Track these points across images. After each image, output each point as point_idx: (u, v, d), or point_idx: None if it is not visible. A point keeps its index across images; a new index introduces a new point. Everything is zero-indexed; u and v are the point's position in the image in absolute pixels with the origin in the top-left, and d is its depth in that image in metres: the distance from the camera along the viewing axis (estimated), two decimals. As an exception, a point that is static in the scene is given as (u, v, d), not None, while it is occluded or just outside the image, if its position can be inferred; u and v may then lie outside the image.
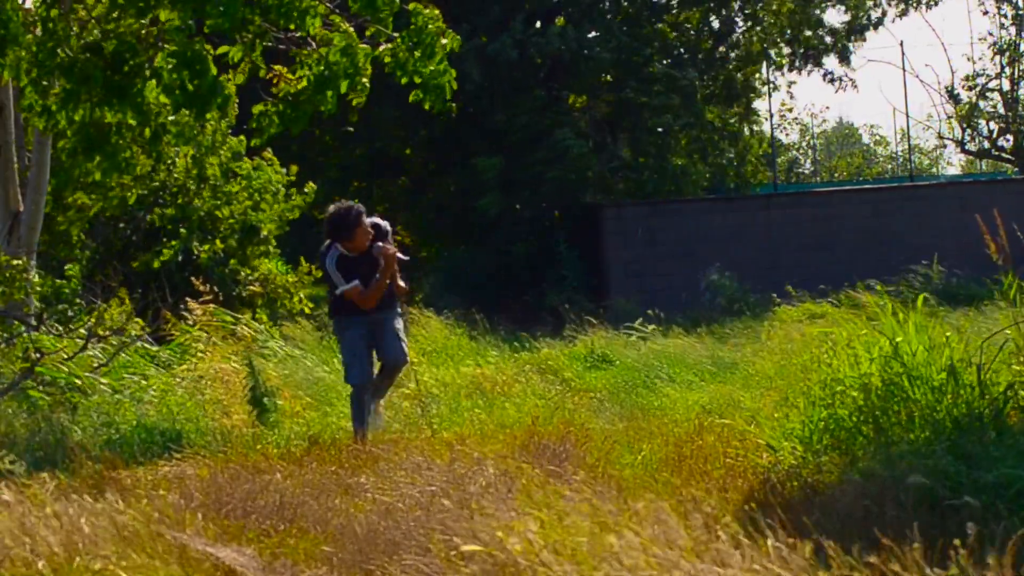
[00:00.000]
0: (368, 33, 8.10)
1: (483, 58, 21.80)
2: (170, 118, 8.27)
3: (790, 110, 37.42)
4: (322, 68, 7.79)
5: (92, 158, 8.00)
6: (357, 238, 7.99)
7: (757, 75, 25.80)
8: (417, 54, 7.93)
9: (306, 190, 15.34)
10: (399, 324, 8.41)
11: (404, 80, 8.13)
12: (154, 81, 7.27)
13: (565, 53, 22.42)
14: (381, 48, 8.07)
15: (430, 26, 8.02)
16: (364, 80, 8.03)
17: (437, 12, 8.22)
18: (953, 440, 5.36)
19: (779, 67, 26.00)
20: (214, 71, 7.36)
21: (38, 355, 8.35)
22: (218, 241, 14.48)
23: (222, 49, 7.75)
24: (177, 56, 7.09)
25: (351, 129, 20.87)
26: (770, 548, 3.53)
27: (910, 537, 3.48)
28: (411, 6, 8.06)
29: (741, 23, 25.42)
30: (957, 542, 3.37)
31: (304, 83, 7.94)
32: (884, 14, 26.30)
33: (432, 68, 8.00)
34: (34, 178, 10.26)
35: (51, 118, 7.51)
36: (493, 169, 21.79)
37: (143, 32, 7.36)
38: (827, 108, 60.16)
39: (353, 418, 8.16)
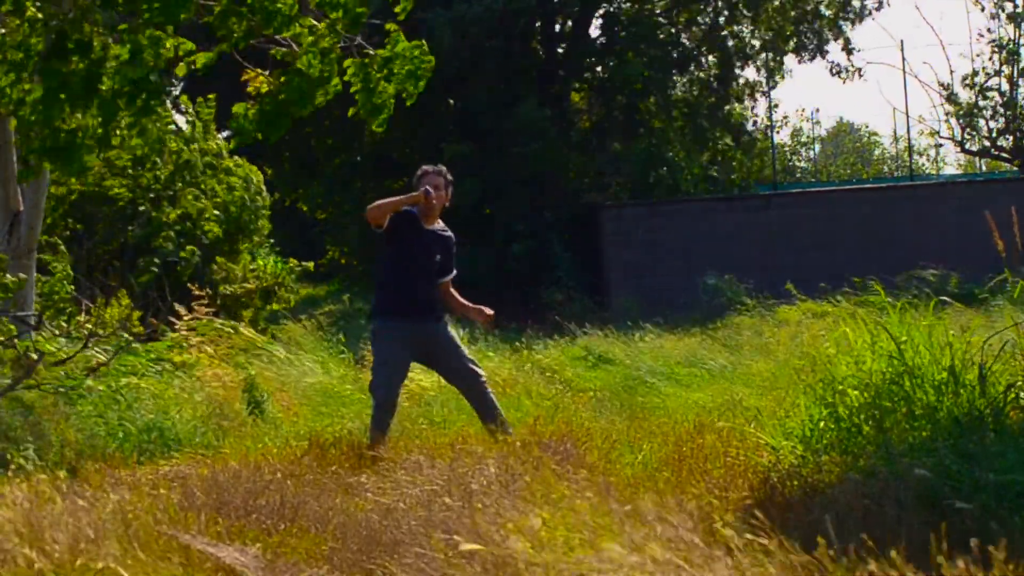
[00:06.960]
0: (334, 27, 7.76)
1: (460, 30, 21.62)
2: (123, 123, 7.97)
3: (776, 107, 37.35)
4: (300, 76, 7.54)
5: (54, 161, 7.68)
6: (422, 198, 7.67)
7: (758, 68, 25.80)
8: (402, 73, 7.69)
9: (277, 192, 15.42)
10: (453, 337, 7.78)
11: (358, 96, 7.84)
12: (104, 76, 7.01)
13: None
14: (354, 59, 7.83)
15: (416, 51, 7.82)
16: (338, 86, 7.78)
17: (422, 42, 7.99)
18: (954, 439, 5.36)
19: (785, 52, 25.90)
20: (161, 64, 7.13)
21: (37, 355, 8.34)
22: (192, 246, 14.23)
23: (189, 45, 7.55)
24: (125, 46, 6.90)
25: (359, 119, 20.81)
26: (770, 548, 3.53)
27: (910, 537, 3.48)
28: (388, 25, 7.86)
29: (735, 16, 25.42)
30: (946, 549, 3.37)
31: (282, 82, 7.69)
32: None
33: (394, 89, 7.75)
34: (34, 178, 10.23)
35: (25, 117, 7.28)
36: (474, 193, 21.85)
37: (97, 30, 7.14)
38: (817, 111, 60.47)
39: (372, 423, 7.57)
